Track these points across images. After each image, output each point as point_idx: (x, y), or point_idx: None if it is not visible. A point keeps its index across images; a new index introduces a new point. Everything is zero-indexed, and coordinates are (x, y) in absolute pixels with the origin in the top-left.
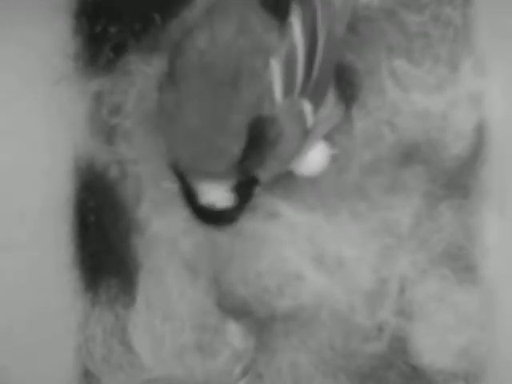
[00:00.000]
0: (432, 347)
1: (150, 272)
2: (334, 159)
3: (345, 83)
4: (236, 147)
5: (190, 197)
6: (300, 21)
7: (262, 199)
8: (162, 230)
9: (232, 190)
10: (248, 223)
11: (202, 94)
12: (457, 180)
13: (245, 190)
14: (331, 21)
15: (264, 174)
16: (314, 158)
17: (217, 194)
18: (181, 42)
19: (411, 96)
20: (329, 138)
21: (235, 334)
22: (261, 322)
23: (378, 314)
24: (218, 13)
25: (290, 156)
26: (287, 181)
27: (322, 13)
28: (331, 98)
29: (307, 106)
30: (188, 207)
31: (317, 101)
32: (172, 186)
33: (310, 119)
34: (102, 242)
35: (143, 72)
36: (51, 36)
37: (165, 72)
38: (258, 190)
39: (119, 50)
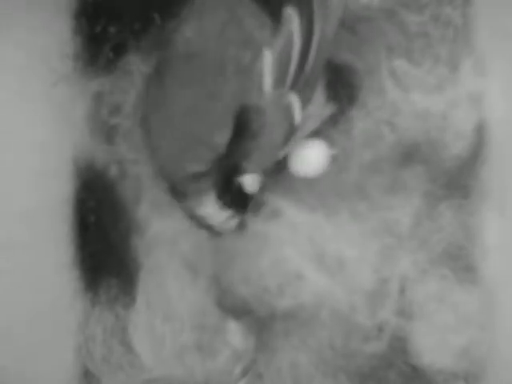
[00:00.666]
0: (432, 347)
1: (150, 272)
2: (333, 159)
3: (343, 83)
4: (220, 137)
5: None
6: (298, 14)
7: (263, 199)
8: (162, 229)
9: (221, 205)
10: (248, 223)
11: (186, 83)
12: (457, 180)
13: (234, 199)
14: (326, 17)
15: (251, 167)
16: (314, 158)
17: (208, 207)
18: (170, 35)
19: (411, 96)
20: (329, 137)
21: (235, 334)
22: (261, 321)
23: (378, 314)
24: (208, 5)
25: (275, 148)
26: (287, 181)
27: (318, 8)
28: (320, 95)
29: (296, 101)
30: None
31: (306, 96)
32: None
33: (297, 114)
34: (102, 242)
35: (143, 72)
36: (51, 36)
37: (153, 66)
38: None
39: (119, 50)
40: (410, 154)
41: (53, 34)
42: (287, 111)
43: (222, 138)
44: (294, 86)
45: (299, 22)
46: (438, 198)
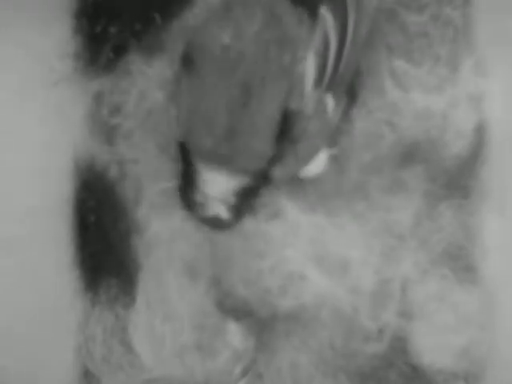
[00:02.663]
0: (432, 347)
1: (150, 272)
2: (334, 159)
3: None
4: (266, 142)
5: (189, 186)
6: (332, 14)
7: (264, 199)
8: (162, 230)
9: (236, 194)
10: (249, 223)
11: (226, 87)
12: (457, 180)
13: (247, 198)
14: (359, 17)
15: (280, 172)
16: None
17: (219, 187)
18: (196, 38)
19: (411, 96)
20: (329, 137)
21: (235, 334)
22: (261, 321)
23: (380, 314)
24: (241, 8)
25: (310, 154)
26: (288, 180)
27: (351, 9)
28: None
29: (331, 102)
30: (183, 199)
31: (339, 96)
32: (171, 185)
33: (331, 115)
34: (102, 242)
35: (143, 72)
36: (51, 36)
37: (181, 68)
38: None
39: (119, 50)
40: (409, 154)
41: (53, 34)
42: (325, 114)
43: (268, 142)
44: (329, 88)
45: (333, 23)
46: (438, 197)
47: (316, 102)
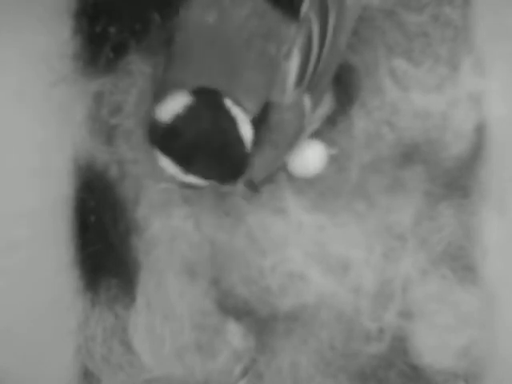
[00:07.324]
0: (432, 347)
1: (150, 272)
2: (333, 159)
3: (343, 83)
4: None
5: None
6: (315, 16)
7: (264, 198)
8: (162, 229)
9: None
10: (251, 221)
11: (208, 66)
12: (456, 180)
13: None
14: (340, 23)
15: (257, 167)
16: (313, 158)
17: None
18: (180, 17)
19: (411, 96)
20: (329, 138)
21: (235, 334)
22: (261, 321)
23: (380, 314)
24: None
25: (284, 149)
26: (288, 180)
27: (332, 14)
28: (327, 98)
29: (308, 103)
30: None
31: (316, 99)
32: (170, 186)
33: (308, 116)
34: (102, 242)
35: (144, 72)
36: (51, 36)
37: (164, 47)
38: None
39: (119, 49)
40: (409, 154)
41: (53, 34)
42: (301, 113)
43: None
44: (309, 87)
45: (317, 25)
46: (437, 198)
47: (295, 100)
